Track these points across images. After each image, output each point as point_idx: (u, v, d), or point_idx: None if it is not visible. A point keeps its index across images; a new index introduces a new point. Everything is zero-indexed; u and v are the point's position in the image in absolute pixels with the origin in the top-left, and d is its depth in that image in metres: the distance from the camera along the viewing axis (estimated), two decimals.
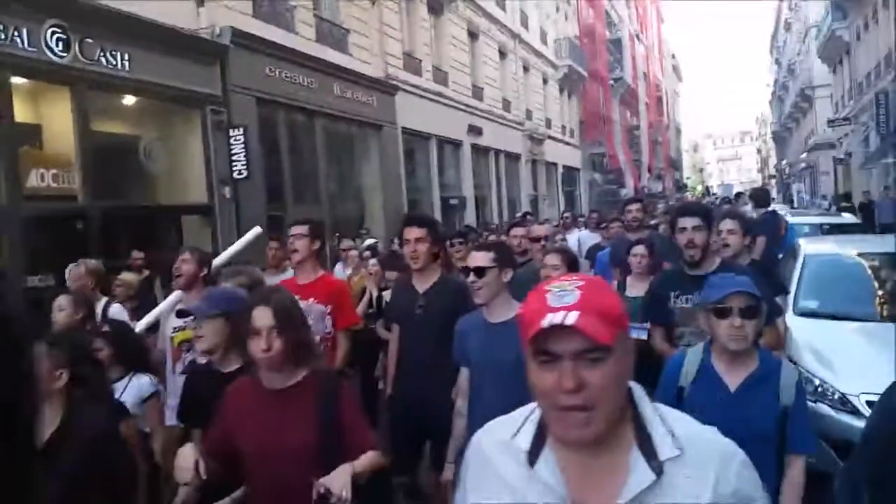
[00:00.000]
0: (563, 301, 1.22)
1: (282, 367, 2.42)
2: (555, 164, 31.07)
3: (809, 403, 4.49)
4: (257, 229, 5.34)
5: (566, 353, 1.20)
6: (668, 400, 2.39)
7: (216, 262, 4.56)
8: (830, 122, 31.07)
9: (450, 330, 3.47)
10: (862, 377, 4.44)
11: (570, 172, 33.98)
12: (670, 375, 2.73)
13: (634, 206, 6.89)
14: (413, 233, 3.95)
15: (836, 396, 4.58)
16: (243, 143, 10.59)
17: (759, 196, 10.71)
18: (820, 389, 4.63)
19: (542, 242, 5.69)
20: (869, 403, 4.28)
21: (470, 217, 20.37)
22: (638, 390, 1.33)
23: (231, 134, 10.62)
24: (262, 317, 2.39)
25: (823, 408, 4.58)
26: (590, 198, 35.50)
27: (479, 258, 3.35)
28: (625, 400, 1.28)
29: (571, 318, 1.18)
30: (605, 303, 1.24)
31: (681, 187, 67.23)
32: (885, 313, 5.71)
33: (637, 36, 52.53)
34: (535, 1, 28.71)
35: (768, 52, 71.53)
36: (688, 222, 3.74)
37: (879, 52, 23.71)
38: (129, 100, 9.85)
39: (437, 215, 18.58)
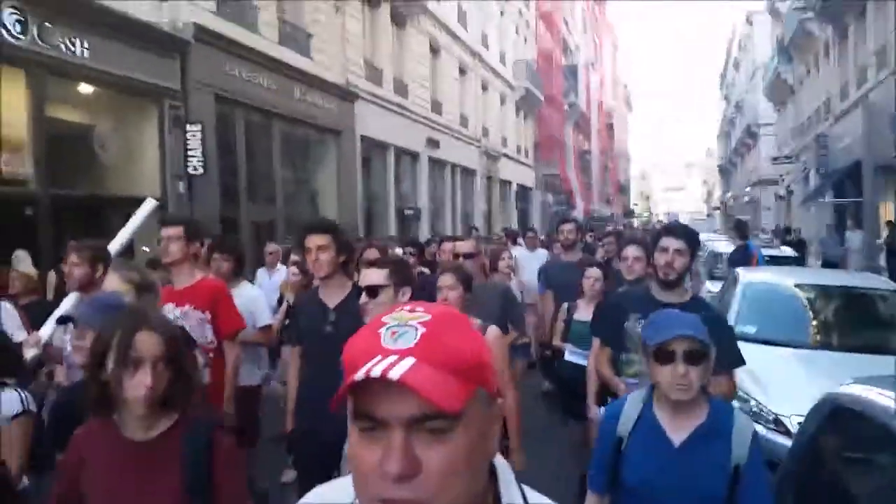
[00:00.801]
0: (396, 342, 0.86)
1: (153, 410, 1.98)
2: (509, 182, 31.52)
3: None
4: (151, 202, 4.71)
5: (395, 419, 0.83)
6: (605, 452, 2.30)
7: (112, 246, 4.06)
8: (774, 160, 32.33)
9: None
10: (794, 400, 4.68)
11: (523, 191, 34.49)
12: (608, 424, 2.37)
13: (567, 227, 6.77)
14: (314, 240, 3.58)
15: (770, 417, 4.82)
16: (200, 139, 10.49)
17: (741, 228, 10.97)
18: (755, 410, 4.87)
19: (463, 259, 5.03)
20: (800, 424, 4.53)
21: (424, 228, 20.50)
22: (504, 472, 0.97)
23: (188, 129, 10.51)
24: (150, 344, 1.94)
25: (759, 428, 4.81)
26: (542, 217, 36.09)
27: (373, 276, 3.10)
28: (482, 486, 0.91)
29: (400, 369, 0.82)
30: (456, 347, 0.87)
31: (628, 213, 68.78)
32: (817, 341, 6.03)
33: (592, 64, 53.76)
34: (495, 22, 29.20)
35: (718, 89, 73.97)
36: (671, 243, 3.40)
37: (820, 96, 24.84)
38: (86, 88, 9.66)
39: (393, 225, 18.69)
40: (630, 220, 53.69)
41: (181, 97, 10.71)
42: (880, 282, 7.44)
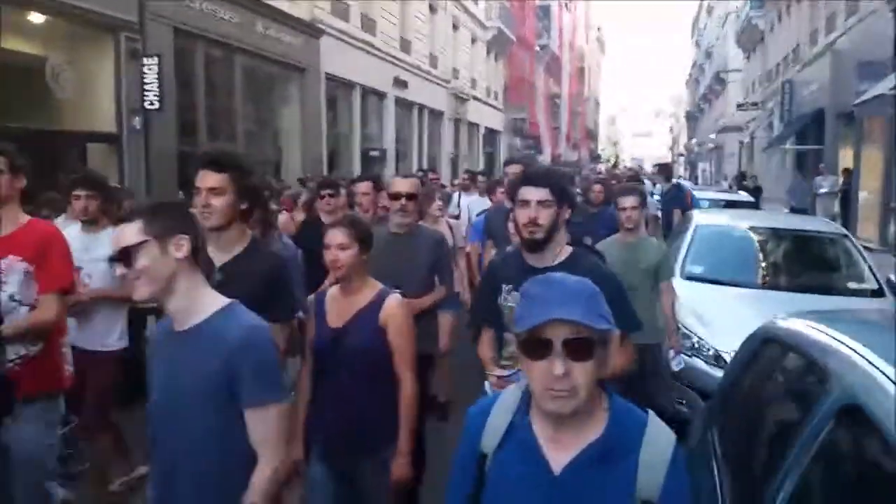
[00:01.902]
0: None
1: None
2: (477, 125, 31.29)
3: (685, 358, 4.94)
4: None
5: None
6: (465, 474, 1.60)
7: None
8: (739, 106, 32.50)
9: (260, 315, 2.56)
10: (735, 336, 4.83)
11: (491, 134, 34.30)
12: (469, 433, 1.64)
13: (512, 168, 5.67)
14: (208, 179, 2.77)
15: (710, 353, 4.99)
16: (157, 73, 10.22)
17: (666, 170, 11.28)
18: (696, 346, 5.04)
19: (403, 201, 3.90)
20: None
21: (390, 170, 20.36)
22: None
23: (144, 62, 10.22)
24: None
25: (699, 363, 4.99)
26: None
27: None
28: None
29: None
30: None
31: (595, 158, 68.93)
32: (765, 281, 6.22)
33: (566, 5, 52.97)
34: None
35: (690, 35, 73.58)
36: (533, 194, 2.70)
37: (790, 43, 24.90)
38: (37, 18, 9.31)
39: (357, 166, 18.49)
40: (596, 164, 53.83)
41: (138, 30, 10.39)
42: (828, 225, 7.64)
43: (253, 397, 1.93)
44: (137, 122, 10.40)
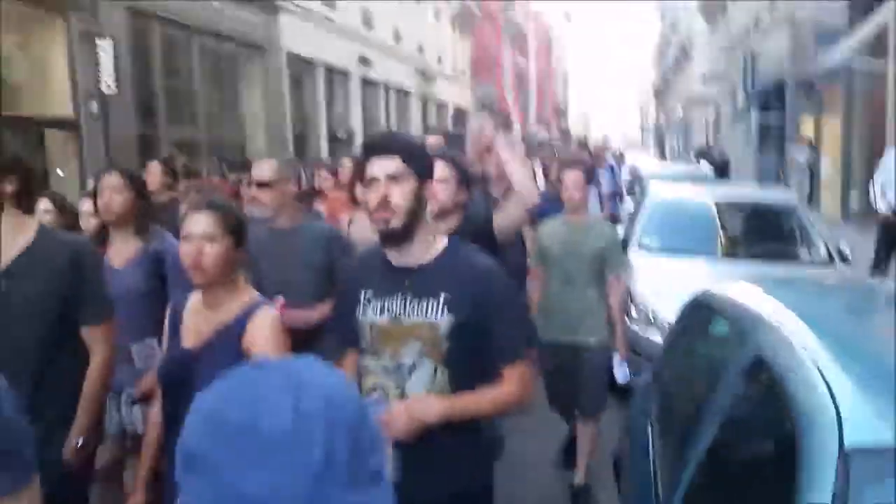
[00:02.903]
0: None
1: None
2: (446, 104, 31.16)
3: (633, 327, 5.03)
4: None
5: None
6: None
7: None
8: (704, 78, 32.72)
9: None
10: None
11: (460, 113, 34.17)
12: None
13: (432, 141, 5.19)
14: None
15: (665, 324, 5.09)
16: (113, 55, 10.03)
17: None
18: (650, 317, 5.15)
19: (255, 189, 3.25)
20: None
21: (358, 152, 20.24)
22: None
23: (98, 44, 10.02)
24: None
25: (654, 333, 5.10)
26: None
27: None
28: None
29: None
30: None
31: (564, 132, 68.98)
32: (727, 252, 6.32)
33: None
34: None
35: (655, 7, 73.70)
36: (381, 168, 1.96)
37: (751, 13, 25.08)
38: None
39: (324, 147, 18.37)
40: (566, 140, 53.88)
41: (90, 10, 10.17)
42: (784, 195, 7.81)
43: None
44: (94, 106, 10.22)
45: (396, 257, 1.99)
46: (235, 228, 2.17)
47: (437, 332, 1.88)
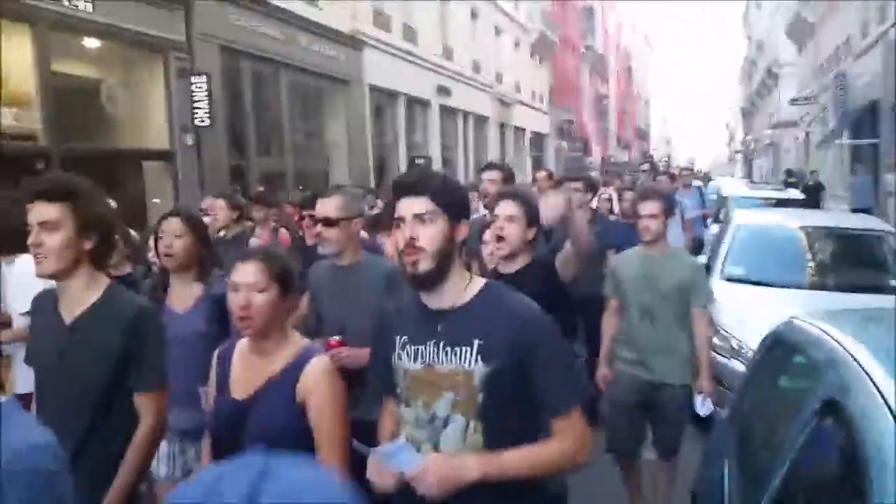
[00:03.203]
0: None
1: None
2: (523, 129, 31.29)
3: (722, 359, 4.91)
4: None
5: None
6: None
7: None
8: (792, 101, 31.70)
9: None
10: None
11: (538, 138, 34.22)
12: None
13: (489, 175, 4.71)
14: (38, 212, 2.22)
15: (749, 355, 4.95)
16: (206, 90, 10.61)
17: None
18: (734, 347, 5.03)
19: (320, 227, 3.11)
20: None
21: None
22: None
23: (193, 81, 10.63)
24: None
25: (738, 366, 4.96)
26: (557, 164, 35.86)
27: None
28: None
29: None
30: None
31: (648, 157, 67.86)
32: (811, 281, 6.11)
33: (611, 4, 52.51)
34: None
35: (741, 29, 72.00)
36: (409, 207, 1.88)
37: (841, 35, 24.21)
38: (91, 42, 9.79)
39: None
40: (644, 164, 52.97)
41: (186, 49, 10.81)
42: (874, 223, 7.48)
43: None
44: (189, 138, 10.81)
45: (430, 300, 1.87)
46: (282, 277, 2.12)
47: (472, 382, 1.76)
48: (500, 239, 2.80)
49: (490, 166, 5.02)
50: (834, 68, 24.76)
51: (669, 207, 3.86)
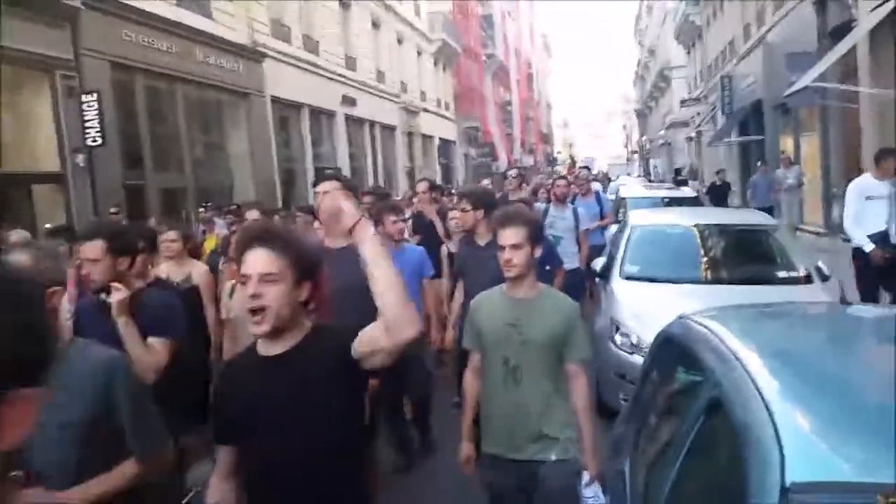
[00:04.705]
0: None
1: None
2: (431, 137, 31.53)
3: (625, 354, 5.12)
4: None
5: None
6: None
7: None
8: (683, 102, 33.23)
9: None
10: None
11: (446, 145, 34.55)
12: None
13: (420, 187, 5.15)
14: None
15: (646, 349, 5.18)
16: (97, 109, 10.20)
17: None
18: (635, 343, 5.24)
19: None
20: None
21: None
22: None
23: (83, 100, 10.19)
24: None
25: (639, 360, 5.18)
26: (465, 171, 36.34)
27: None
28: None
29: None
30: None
31: (551, 161, 69.70)
32: (708, 277, 6.42)
33: (509, 13, 53.65)
34: None
35: (633, 34, 74.93)
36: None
37: (726, 37, 25.60)
38: None
39: (310, 185, 18.49)
40: (553, 167, 54.46)
41: (74, 67, 10.36)
42: (761, 217, 7.94)
43: None
44: (81, 159, 10.35)
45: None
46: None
47: None
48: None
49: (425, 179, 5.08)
50: (720, 70, 26.13)
51: (536, 233, 3.00)
